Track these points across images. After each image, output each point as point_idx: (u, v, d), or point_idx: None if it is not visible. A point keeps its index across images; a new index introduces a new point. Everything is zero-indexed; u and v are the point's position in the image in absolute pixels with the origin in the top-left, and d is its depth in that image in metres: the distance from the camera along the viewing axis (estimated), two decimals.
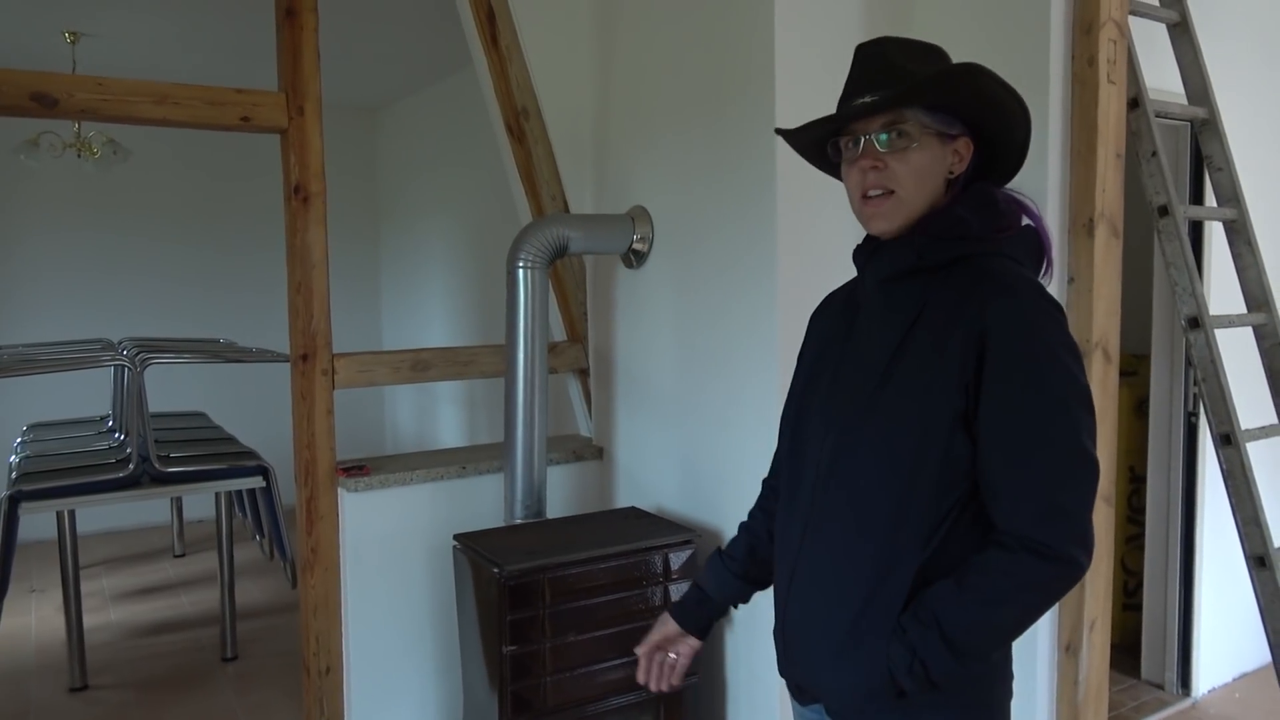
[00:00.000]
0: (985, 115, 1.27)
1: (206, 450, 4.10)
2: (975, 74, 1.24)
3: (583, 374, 3.27)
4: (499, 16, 2.97)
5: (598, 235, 2.87)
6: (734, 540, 1.56)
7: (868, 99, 1.25)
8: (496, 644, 2.33)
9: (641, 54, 2.89)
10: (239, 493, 4.24)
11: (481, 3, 2.96)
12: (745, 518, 1.58)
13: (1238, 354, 2.77)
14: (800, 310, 1.56)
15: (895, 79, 1.25)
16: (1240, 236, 2.71)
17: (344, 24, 4.29)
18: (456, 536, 2.56)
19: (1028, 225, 1.30)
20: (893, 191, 1.26)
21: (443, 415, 6.20)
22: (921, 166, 1.25)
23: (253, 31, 4.39)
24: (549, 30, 3.04)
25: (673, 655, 1.53)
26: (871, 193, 1.27)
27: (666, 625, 1.54)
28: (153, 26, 4.66)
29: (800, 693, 1.39)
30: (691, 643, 1.53)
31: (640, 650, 1.54)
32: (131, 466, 3.66)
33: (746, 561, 1.52)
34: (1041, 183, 2.35)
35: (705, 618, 1.53)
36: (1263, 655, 3.22)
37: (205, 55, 5.16)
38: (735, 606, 1.57)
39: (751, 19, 2.42)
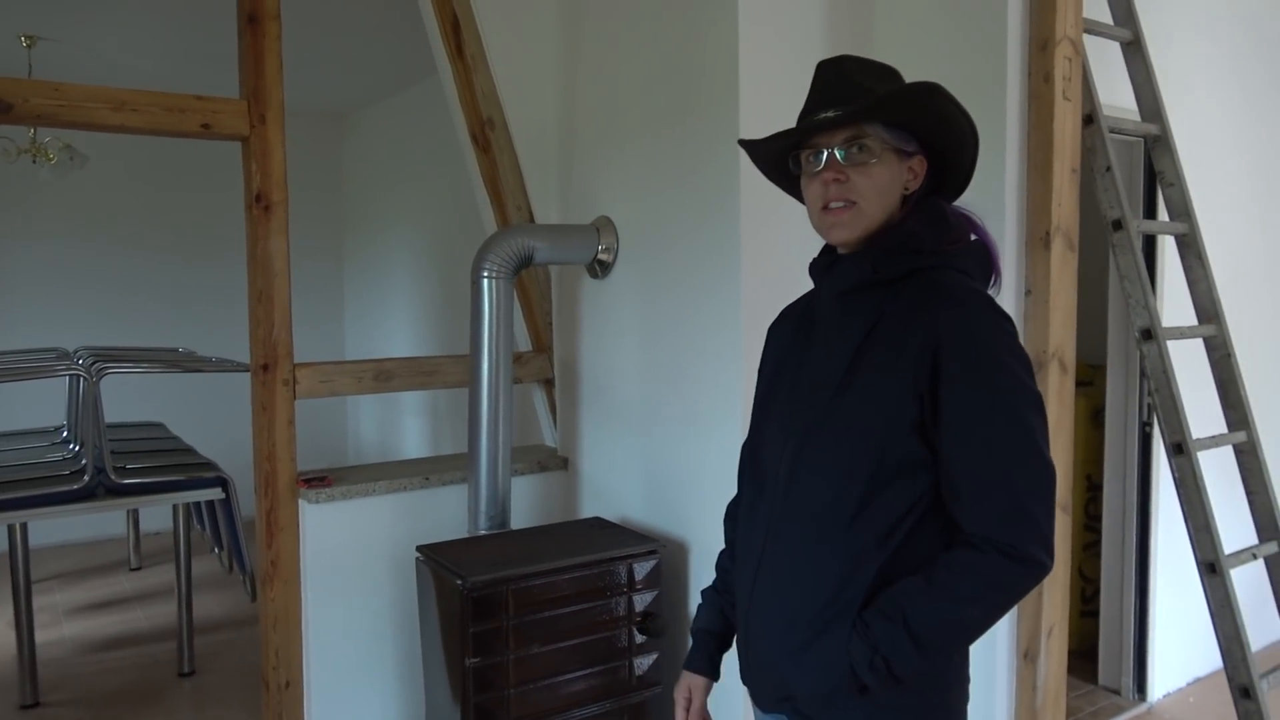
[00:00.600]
0: (940, 134, 1.31)
1: (164, 461, 4.03)
2: (933, 93, 1.28)
3: (548, 384, 3.27)
4: (464, 26, 2.96)
5: (563, 245, 2.87)
6: (718, 578, 1.58)
7: (830, 113, 1.29)
8: (459, 656, 2.31)
9: (606, 65, 2.90)
10: (197, 504, 4.17)
11: (446, 12, 2.96)
12: (718, 545, 1.60)
13: (1189, 365, 2.83)
14: (763, 319, 1.58)
15: (856, 95, 1.29)
16: (1191, 250, 2.78)
17: (307, 30, 4.27)
18: (419, 548, 2.54)
19: (976, 239, 1.35)
20: (854, 203, 1.29)
21: (406, 426, 6.15)
22: (882, 181, 1.29)
23: (215, 38, 4.35)
24: (514, 40, 3.05)
25: (693, 702, 1.53)
26: (833, 204, 1.30)
27: (681, 682, 1.54)
28: (113, 31, 4.59)
29: (763, 700, 1.41)
30: (699, 684, 1.53)
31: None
32: (86, 478, 3.59)
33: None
34: (999, 197, 2.40)
35: (707, 657, 1.53)
36: (1215, 660, 3.28)
37: (167, 62, 5.10)
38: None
39: (715, 31, 2.44)
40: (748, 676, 1.42)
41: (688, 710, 1.53)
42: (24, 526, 3.55)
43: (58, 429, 4.87)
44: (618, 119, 2.85)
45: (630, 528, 2.77)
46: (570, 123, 3.07)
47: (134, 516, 5.30)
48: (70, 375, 4.38)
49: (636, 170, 2.78)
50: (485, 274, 2.67)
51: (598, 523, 2.81)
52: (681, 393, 2.65)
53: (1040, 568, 1.22)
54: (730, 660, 1.52)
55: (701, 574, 2.61)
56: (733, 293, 2.43)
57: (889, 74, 1.36)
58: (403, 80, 5.70)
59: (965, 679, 1.36)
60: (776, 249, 2.41)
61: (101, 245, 6.06)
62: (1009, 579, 1.22)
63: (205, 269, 6.26)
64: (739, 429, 2.39)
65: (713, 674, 1.54)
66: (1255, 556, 2.63)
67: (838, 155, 1.29)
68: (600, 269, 2.92)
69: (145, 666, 3.95)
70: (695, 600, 2.63)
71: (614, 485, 2.96)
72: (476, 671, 2.30)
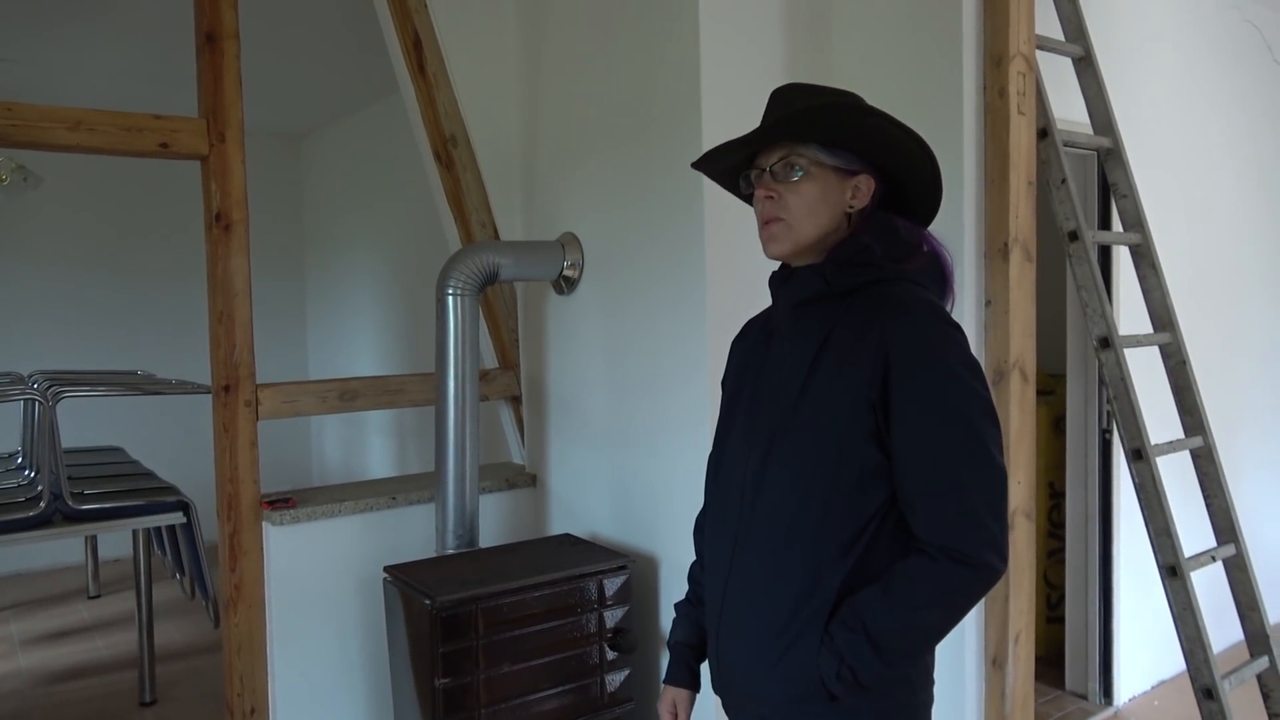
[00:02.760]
0: (878, 151, 1.34)
1: (123, 486, 3.95)
2: (845, 109, 1.33)
3: (515, 401, 3.25)
4: (426, 43, 2.96)
5: (528, 262, 2.87)
6: (690, 589, 1.60)
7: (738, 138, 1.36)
8: (429, 677, 2.29)
9: (569, 81, 2.91)
10: (158, 530, 4.09)
11: (408, 30, 2.96)
12: (688, 561, 1.62)
13: (1146, 372, 2.88)
14: (729, 332, 1.60)
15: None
16: (1145, 260, 2.84)
17: (262, 52, 4.23)
18: (387, 568, 2.51)
19: (930, 253, 1.37)
20: (784, 219, 1.34)
21: (371, 446, 6.09)
22: (811, 197, 1.33)
23: (172, 57, 4.30)
24: (476, 57, 3.05)
25: (678, 715, 1.55)
26: (768, 220, 1.36)
27: (664, 696, 1.56)
28: (68, 51, 4.53)
29: (735, 710, 1.42)
30: (682, 696, 1.56)
31: None
32: (42, 505, 3.51)
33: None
34: (958, 209, 2.43)
35: (687, 669, 1.55)
36: (1179, 662, 3.33)
37: (123, 81, 5.03)
38: None
39: (676, 45, 2.46)
40: (719, 685, 1.43)
41: None
42: None
43: (12, 455, 4.76)
44: (581, 134, 2.86)
45: (600, 544, 2.76)
46: (534, 139, 3.08)
47: (92, 543, 5.19)
48: (25, 400, 4.28)
49: (601, 186, 2.78)
50: (450, 291, 2.66)
51: (567, 539, 2.80)
52: (649, 407, 2.65)
53: (991, 571, 1.24)
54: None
55: (672, 588, 2.61)
56: (698, 306, 2.44)
57: (834, 95, 1.38)
58: (359, 101, 5.67)
59: (930, 681, 1.38)
60: (741, 262, 2.43)
61: (56, 268, 5.95)
62: (961, 585, 1.24)
63: (163, 292, 6.16)
64: (706, 442, 2.38)
65: (694, 685, 1.56)
66: (1214, 559, 2.68)
67: (770, 174, 1.34)
68: (566, 285, 2.92)
69: (106, 697, 3.85)
70: (666, 615, 2.63)
71: (583, 501, 2.95)
72: (447, 692, 2.28)
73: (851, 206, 1.35)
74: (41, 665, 4.21)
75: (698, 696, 1.57)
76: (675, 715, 1.55)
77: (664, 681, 1.57)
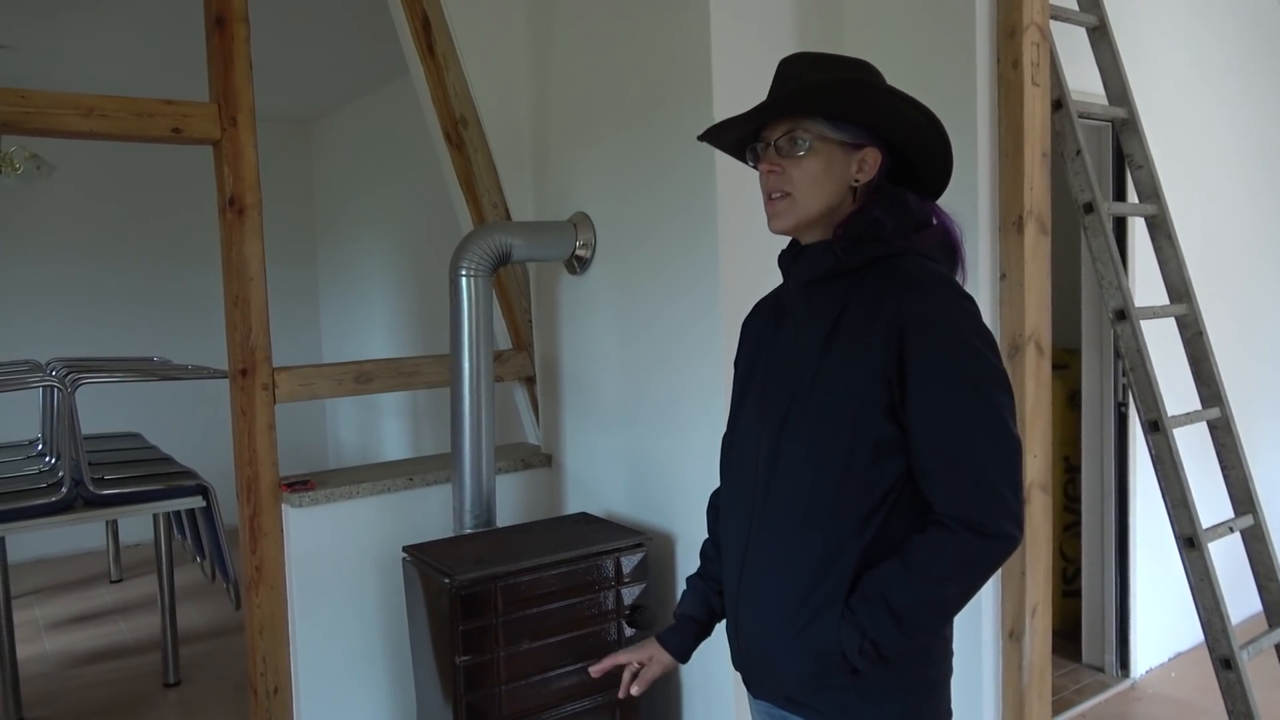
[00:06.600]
0: (884, 125, 1.33)
1: (143, 471, 3.99)
2: (851, 85, 1.31)
3: (529, 382, 3.26)
4: (434, 24, 2.95)
5: (540, 242, 2.87)
6: (701, 565, 1.59)
7: (743, 113, 1.35)
8: (449, 655, 2.31)
9: (578, 61, 2.90)
10: (178, 514, 4.13)
11: (417, 11, 2.95)
12: (702, 541, 1.62)
13: (1162, 344, 2.87)
14: (742, 311, 1.60)
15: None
16: (1161, 231, 2.82)
17: (273, 34, 4.23)
18: (405, 548, 2.53)
19: (940, 227, 1.36)
20: (789, 194, 1.33)
21: (386, 429, 6.13)
22: (814, 172, 1.32)
23: (184, 43, 4.30)
24: (485, 38, 3.04)
25: (638, 664, 1.54)
26: (773, 195, 1.35)
27: (644, 646, 1.56)
28: (79, 38, 4.53)
29: (756, 686, 1.42)
30: (662, 658, 1.55)
31: (610, 657, 1.56)
32: (64, 490, 3.55)
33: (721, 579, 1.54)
34: (972, 182, 2.42)
35: (682, 639, 1.55)
36: (1196, 634, 3.33)
37: (135, 68, 5.04)
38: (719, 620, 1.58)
39: (687, 22, 2.45)
40: (739, 663, 1.43)
41: (634, 674, 1.54)
42: (1, 541, 3.50)
43: (32, 442, 4.81)
44: (592, 114, 2.85)
45: (616, 522, 2.78)
46: (544, 119, 3.07)
47: (113, 528, 5.25)
48: (44, 387, 4.32)
49: (612, 165, 2.78)
50: (463, 272, 2.67)
51: (583, 518, 2.82)
52: (662, 386, 2.65)
53: (1010, 542, 1.24)
54: (715, 647, 1.54)
55: (688, 565, 2.62)
56: (711, 285, 2.44)
57: (843, 65, 1.36)
58: (368, 85, 5.66)
59: (949, 652, 1.39)
60: (754, 241, 2.41)
61: (71, 255, 5.99)
62: (980, 555, 1.25)
63: (178, 278, 6.19)
64: (720, 420, 2.38)
65: (682, 659, 1.55)
66: (1232, 530, 2.68)
67: (774, 149, 1.33)
68: (578, 265, 2.92)
69: (130, 678, 3.91)
70: (683, 591, 2.65)
71: (598, 480, 2.96)
72: (467, 670, 2.30)
73: (857, 180, 1.34)
74: (67, 648, 4.28)
75: (719, 676, 1.57)
76: (640, 667, 1.53)
77: (655, 637, 1.56)
